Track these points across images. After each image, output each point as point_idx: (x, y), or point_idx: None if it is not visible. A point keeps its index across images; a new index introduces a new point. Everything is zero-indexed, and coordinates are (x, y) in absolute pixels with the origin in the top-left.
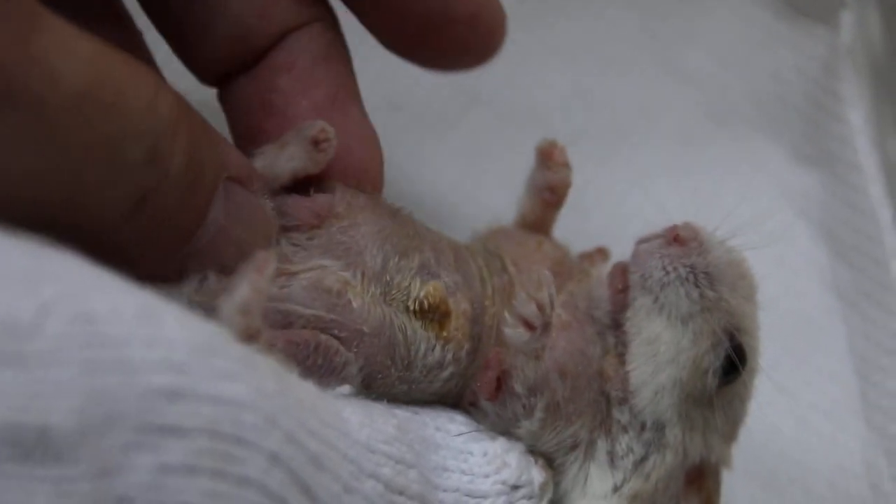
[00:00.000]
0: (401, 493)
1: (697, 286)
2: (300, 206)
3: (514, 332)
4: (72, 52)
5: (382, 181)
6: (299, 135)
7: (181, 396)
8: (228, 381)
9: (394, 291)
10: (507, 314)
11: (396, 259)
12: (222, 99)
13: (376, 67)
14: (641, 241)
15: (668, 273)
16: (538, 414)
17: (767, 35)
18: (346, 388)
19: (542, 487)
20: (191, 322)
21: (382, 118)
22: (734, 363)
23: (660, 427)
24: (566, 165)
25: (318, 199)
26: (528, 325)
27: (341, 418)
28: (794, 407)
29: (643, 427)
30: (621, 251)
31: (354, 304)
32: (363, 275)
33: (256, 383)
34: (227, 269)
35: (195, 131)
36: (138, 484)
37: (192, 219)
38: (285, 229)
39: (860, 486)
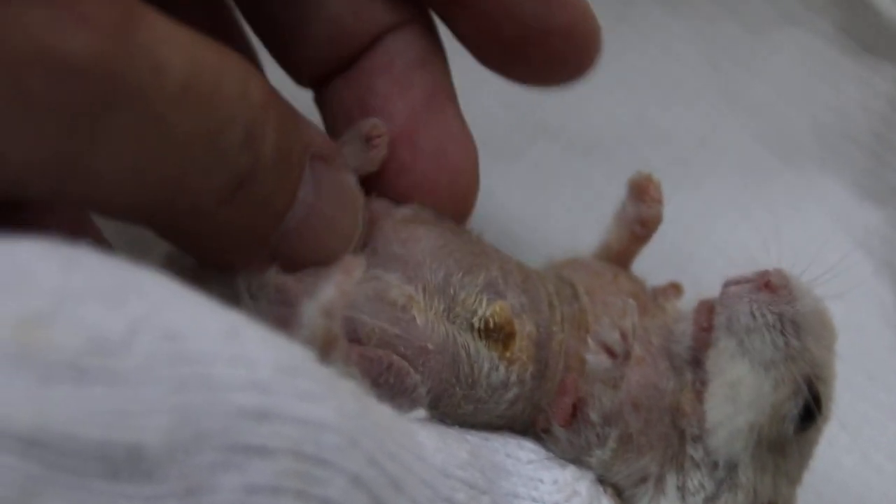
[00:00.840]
0: None
1: (783, 334)
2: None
3: (596, 359)
4: (172, 42)
5: (478, 183)
6: (354, 133)
7: (267, 417)
8: (312, 401)
9: (458, 308)
10: (589, 340)
11: (460, 275)
12: (319, 100)
13: None
14: (731, 282)
15: (755, 318)
16: (611, 444)
17: (832, 70)
18: (420, 413)
19: None
20: (274, 341)
21: None
22: (811, 411)
23: (732, 467)
24: (660, 201)
25: (375, 200)
26: (611, 353)
27: (417, 442)
28: (856, 443)
29: (716, 465)
30: (684, 283)
31: (419, 321)
32: (424, 289)
33: (339, 404)
34: (316, 251)
35: (283, 114)
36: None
37: (283, 201)
38: None
39: None
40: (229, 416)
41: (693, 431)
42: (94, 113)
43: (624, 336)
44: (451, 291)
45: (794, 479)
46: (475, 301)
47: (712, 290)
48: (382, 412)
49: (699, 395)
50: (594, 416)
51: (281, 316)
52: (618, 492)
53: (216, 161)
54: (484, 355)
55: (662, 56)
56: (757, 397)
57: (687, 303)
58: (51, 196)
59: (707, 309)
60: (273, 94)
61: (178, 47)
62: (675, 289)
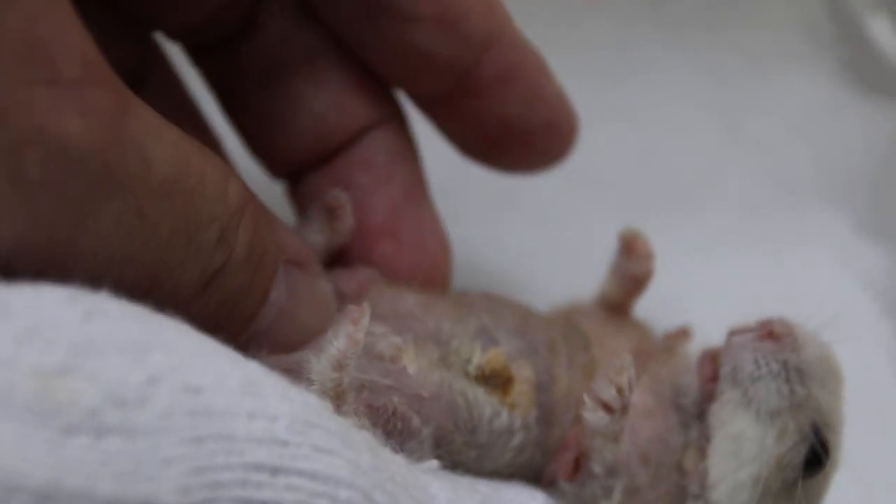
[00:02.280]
0: None
1: (788, 382)
2: (343, 276)
3: (594, 416)
4: (160, 136)
5: (450, 279)
6: (317, 209)
7: (282, 471)
8: (327, 455)
9: (452, 357)
10: (586, 398)
11: (450, 324)
12: (292, 192)
13: None
14: (734, 332)
15: (759, 367)
16: (616, 496)
17: (835, 107)
18: (433, 463)
19: None
20: (292, 394)
21: (450, 183)
22: (818, 458)
23: None
24: (649, 256)
25: (361, 271)
26: (608, 408)
27: (430, 494)
28: (861, 484)
29: None
30: (684, 319)
31: (410, 370)
32: (415, 340)
33: (353, 458)
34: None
35: (258, 216)
36: None
37: (254, 300)
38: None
39: None
40: (245, 469)
41: (694, 490)
42: (87, 199)
43: (620, 391)
44: (443, 340)
45: None
46: (469, 349)
47: (712, 327)
48: (397, 463)
49: (702, 452)
50: (597, 468)
51: None
52: None
53: (193, 256)
54: (484, 401)
55: (665, 91)
56: (760, 450)
57: (695, 344)
58: (33, 275)
59: (710, 359)
60: (249, 195)
61: (164, 143)
62: (684, 334)
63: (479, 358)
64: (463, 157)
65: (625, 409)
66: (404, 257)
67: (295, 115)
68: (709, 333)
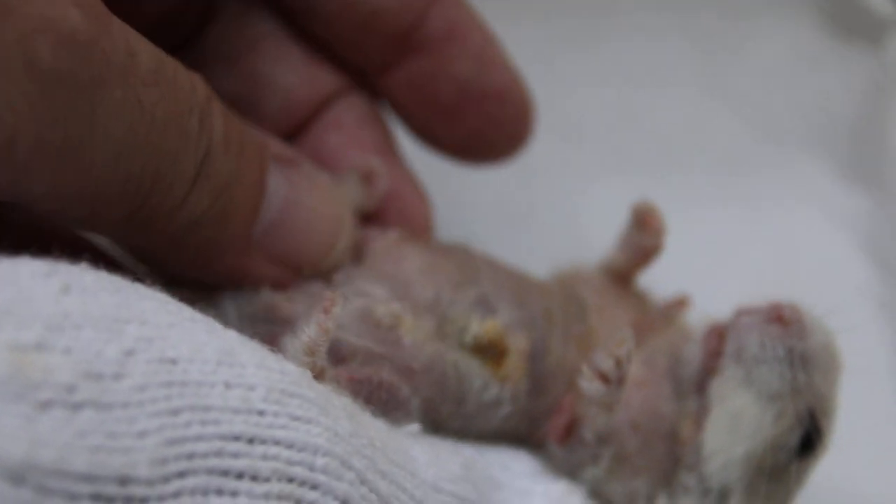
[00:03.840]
0: None
1: (791, 368)
2: (371, 235)
3: (591, 386)
4: (137, 35)
5: (432, 226)
6: (352, 173)
7: (258, 441)
8: (305, 424)
9: (448, 326)
10: (584, 368)
11: (449, 292)
12: None
13: None
14: (743, 312)
15: (765, 350)
16: (605, 462)
17: (815, 56)
18: (414, 427)
19: None
20: (269, 363)
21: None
22: (811, 442)
23: (724, 494)
24: (661, 231)
25: (369, 227)
26: (605, 379)
27: (410, 457)
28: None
29: (708, 492)
30: (668, 272)
31: (405, 341)
32: (413, 308)
33: (331, 426)
34: (303, 243)
35: (224, 109)
36: None
37: (250, 188)
38: None
39: None
40: (221, 439)
41: (689, 460)
42: (94, 87)
43: (618, 363)
44: (441, 309)
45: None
46: (466, 318)
47: (698, 282)
48: (377, 428)
49: (699, 423)
50: (589, 435)
51: (272, 334)
52: None
53: (184, 145)
54: (476, 373)
55: (645, 43)
56: (757, 428)
57: (693, 314)
58: (42, 198)
59: (717, 335)
60: (211, 89)
61: (142, 40)
62: (681, 304)
63: (476, 328)
64: (421, 143)
65: (621, 380)
66: (384, 207)
67: (263, 95)
68: (695, 290)
